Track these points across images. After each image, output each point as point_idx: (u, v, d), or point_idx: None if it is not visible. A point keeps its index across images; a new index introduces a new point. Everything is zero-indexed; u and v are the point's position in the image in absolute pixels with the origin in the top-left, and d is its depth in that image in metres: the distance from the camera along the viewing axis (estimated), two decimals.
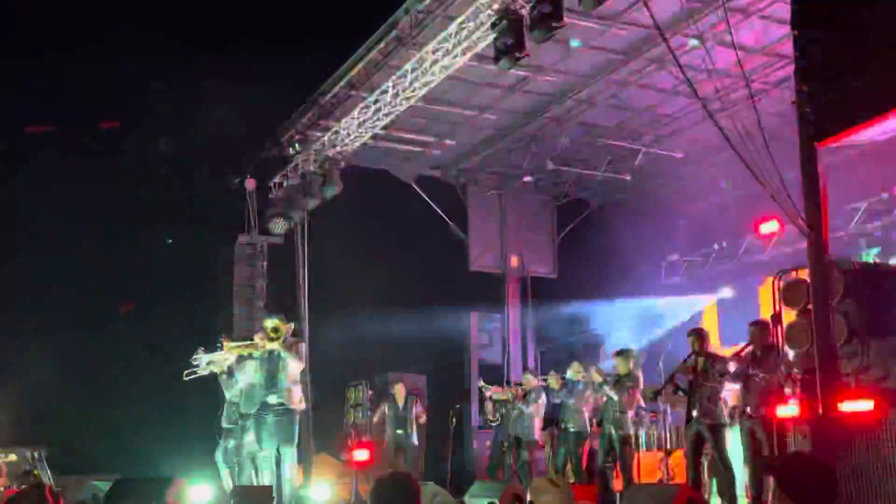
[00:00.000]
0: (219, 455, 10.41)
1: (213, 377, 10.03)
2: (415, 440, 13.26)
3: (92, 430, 13.70)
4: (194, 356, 9.68)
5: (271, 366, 9.27)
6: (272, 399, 9.26)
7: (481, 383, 13.81)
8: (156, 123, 14.39)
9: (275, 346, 9.10)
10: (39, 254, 14.13)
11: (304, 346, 9.57)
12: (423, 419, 13.41)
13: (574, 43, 11.63)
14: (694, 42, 10.45)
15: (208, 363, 9.71)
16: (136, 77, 13.68)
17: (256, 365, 9.31)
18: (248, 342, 9.64)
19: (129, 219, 14.85)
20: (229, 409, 10.05)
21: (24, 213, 14.06)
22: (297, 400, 9.34)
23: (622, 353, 11.17)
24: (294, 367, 9.27)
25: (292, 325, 9.51)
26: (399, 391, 13.37)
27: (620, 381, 10.87)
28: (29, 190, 13.87)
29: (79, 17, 13.85)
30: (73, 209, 14.04)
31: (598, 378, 11.26)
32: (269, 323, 9.09)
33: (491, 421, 13.46)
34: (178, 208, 14.84)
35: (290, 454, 9.32)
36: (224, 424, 10.18)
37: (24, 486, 9.33)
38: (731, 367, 9.52)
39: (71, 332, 13.71)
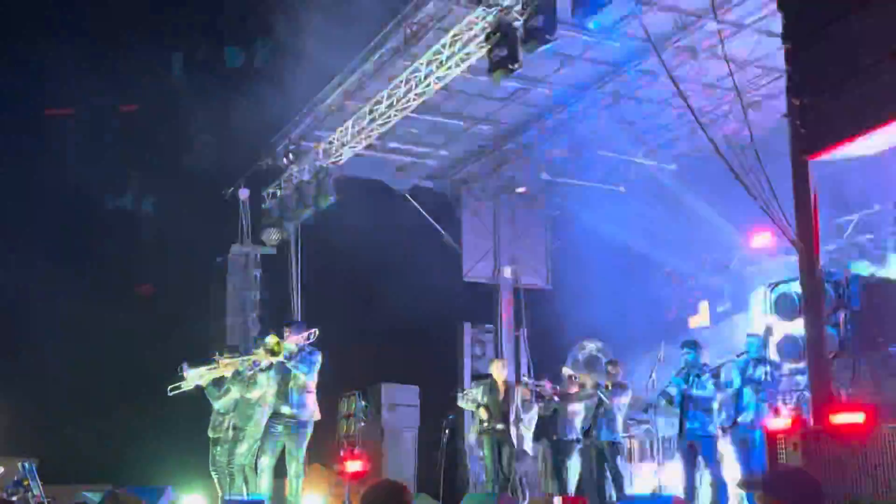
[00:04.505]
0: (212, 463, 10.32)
1: (200, 389, 10.04)
2: (514, 438, 10.85)
3: (83, 441, 13.68)
4: (178, 371, 9.75)
5: (282, 377, 9.36)
6: (284, 409, 9.34)
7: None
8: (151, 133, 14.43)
9: (278, 359, 9.19)
10: (35, 264, 14.11)
11: (319, 356, 9.60)
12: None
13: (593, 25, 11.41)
14: None
15: (196, 375, 9.75)
16: (135, 84, 13.74)
17: (267, 377, 9.42)
18: (244, 357, 9.71)
19: (125, 228, 14.85)
20: (215, 419, 10.08)
21: (22, 221, 14.06)
22: (310, 411, 9.42)
23: (614, 362, 11.43)
24: (302, 377, 9.32)
25: (315, 331, 9.64)
26: (497, 370, 11.04)
27: (615, 388, 10.86)
28: (28, 197, 13.88)
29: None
30: (70, 217, 14.04)
31: (589, 383, 11.19)
32: (270, 339, 9.30)
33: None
34: (173, 218, 14.85)
35: (295, 466, 9.37)
36: (210, 434, 10.17)
37: None
38: (723, 377, 9.55)
39: (63, 343, 13.68)
